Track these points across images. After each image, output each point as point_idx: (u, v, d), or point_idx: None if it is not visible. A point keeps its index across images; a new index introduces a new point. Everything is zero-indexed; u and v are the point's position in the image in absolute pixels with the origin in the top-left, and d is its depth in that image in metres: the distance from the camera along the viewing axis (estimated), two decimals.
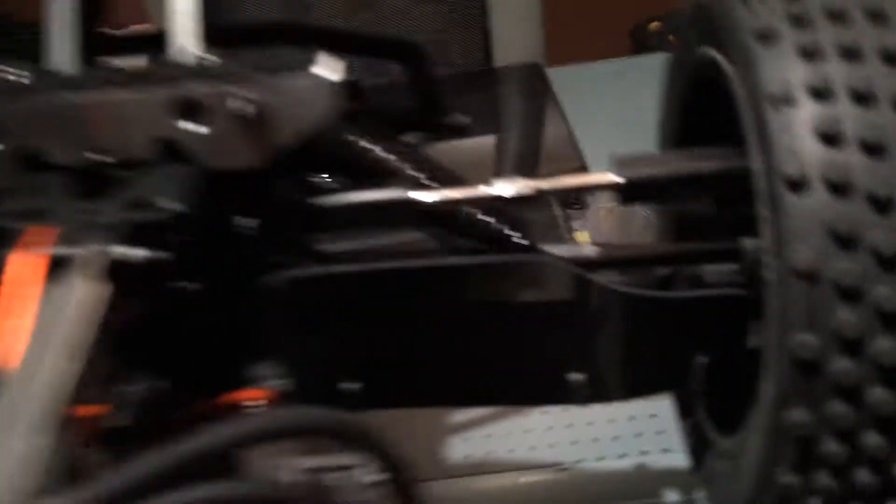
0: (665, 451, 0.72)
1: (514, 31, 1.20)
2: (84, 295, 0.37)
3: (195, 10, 0.49)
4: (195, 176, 0.42)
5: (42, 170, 0.43)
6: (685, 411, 0.55)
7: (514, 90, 1.13)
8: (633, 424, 0.74)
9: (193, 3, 0.49)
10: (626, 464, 0.71)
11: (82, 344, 0.35)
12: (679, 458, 0.62)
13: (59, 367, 0.33)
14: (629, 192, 0.45)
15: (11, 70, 0.43)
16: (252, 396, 0.45)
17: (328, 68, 0.41)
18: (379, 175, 0.47)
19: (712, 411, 0.50)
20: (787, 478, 0.37)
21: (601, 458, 0.71)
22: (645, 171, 0.45)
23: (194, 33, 0.49)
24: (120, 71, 0.43)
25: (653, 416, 0.75)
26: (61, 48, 0.45)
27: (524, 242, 0.49)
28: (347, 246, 0.47)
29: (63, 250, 0.39)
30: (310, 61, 0.40)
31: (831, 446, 0.37)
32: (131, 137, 0.42)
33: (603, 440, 0.74)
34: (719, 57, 0.45)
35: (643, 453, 0.73)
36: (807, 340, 0.35)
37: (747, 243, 0.44)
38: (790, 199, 0.37)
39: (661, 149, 0.59)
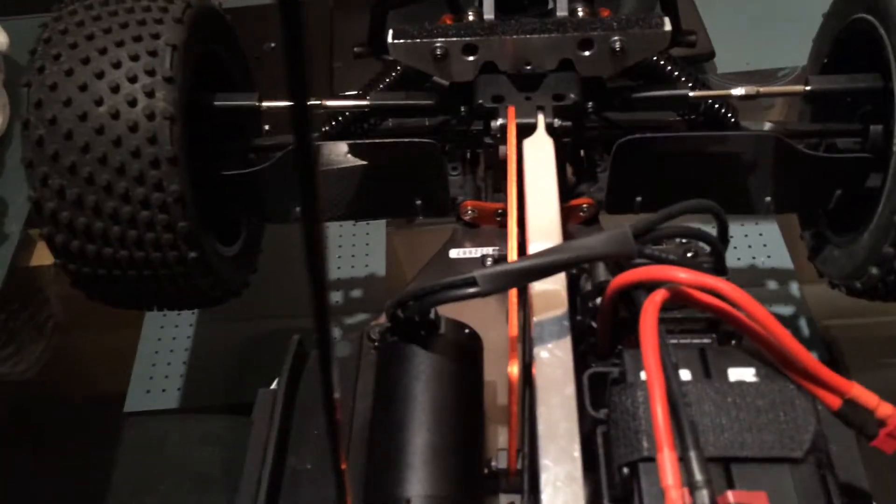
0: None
1: None
2: (550, 144, 0.71)
3: None
4: (578, 80, 0.77)
5: (494, 72, 0.77)
6: (807, 224, 0.92)
7: None
8: None
9: None
10: None
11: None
12: None
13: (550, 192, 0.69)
14: None
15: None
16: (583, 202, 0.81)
17: (666, 25, 0.74)
18: (664, 79, 0.82)
19: (831, 222, 0.87)
20: (888, 249, 0.74)
21: None
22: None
23: None
24: (538, 21, 0.77)
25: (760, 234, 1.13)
26: (490, 3, 0.79)
27: (735, 121, 0.85)
28: None
29: (525, 120, 0.73)
30: (660, 23, 0.74)
31: None
32: (549, 57, 0.76)
33: None
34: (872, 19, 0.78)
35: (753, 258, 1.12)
36: None
37: (873, 129, 0.79)
38: None
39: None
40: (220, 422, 0.99)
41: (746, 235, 1.13)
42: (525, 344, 0.57)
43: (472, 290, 0.51)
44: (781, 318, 1.05)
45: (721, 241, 0.54)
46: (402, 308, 0.54)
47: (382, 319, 0.58)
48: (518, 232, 0.64)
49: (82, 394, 1.07)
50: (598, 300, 0.52)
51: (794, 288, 1.09)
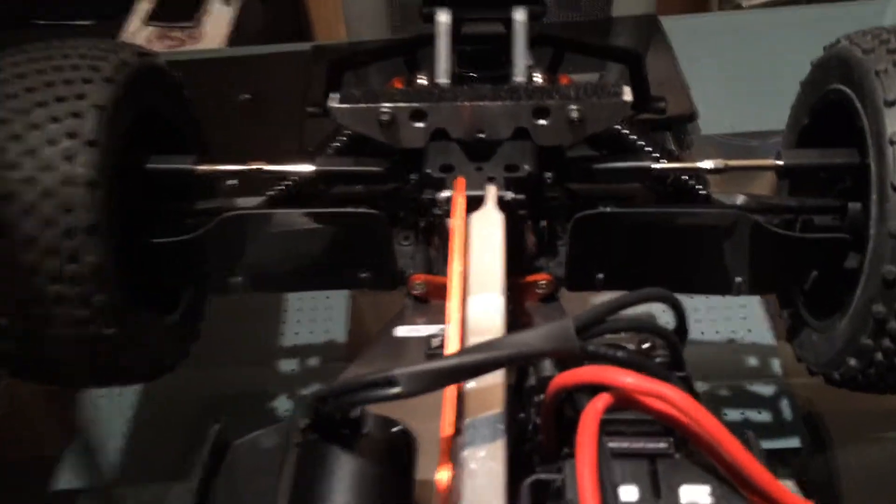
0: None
1: None
2: (499, 219, 0.66)
3: None
4: (534, 149, 0.72)
5: (445, 140, 0.72)
6: (785, 303, 0.86)
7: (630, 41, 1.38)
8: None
9: None
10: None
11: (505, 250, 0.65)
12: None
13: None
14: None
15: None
16: (540, 278, 0.76)
17: (625, 94, 0.70)
18: (628, 150, 0.78)
19: (809, 304, 0.81)
20: (866, 341, 0.68)
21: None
22: None
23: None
24: (492, 87, 0.72)
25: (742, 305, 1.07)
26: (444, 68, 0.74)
27: (705, 194, 0.80)
28: None
29: (474, 192, 0.68)
30: (619, 93, 0.69)
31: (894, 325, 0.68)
32: (503, 125, 0.72)
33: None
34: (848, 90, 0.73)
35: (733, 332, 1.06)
36: (891, 270, 0.66)
37: (851, 207, 0.74)
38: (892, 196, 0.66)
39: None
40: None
41: (728, 307, 1.08)
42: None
43: (393, 390, 0.46)
44: (760, 399, 0.99)
45: (679, 332, 0.50)
46: (322, 404, 0.49)
47: None
48: (462, 314, 0.59)
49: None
50: (541, 397, 0.48)
51: (776, 365, 1.03)
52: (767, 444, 0.95)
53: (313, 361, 1.06)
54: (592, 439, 0.40)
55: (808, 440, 0.95)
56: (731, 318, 1.07)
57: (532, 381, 0.49)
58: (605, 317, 0.48)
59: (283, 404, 1.01)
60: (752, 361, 1.04)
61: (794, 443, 0.95)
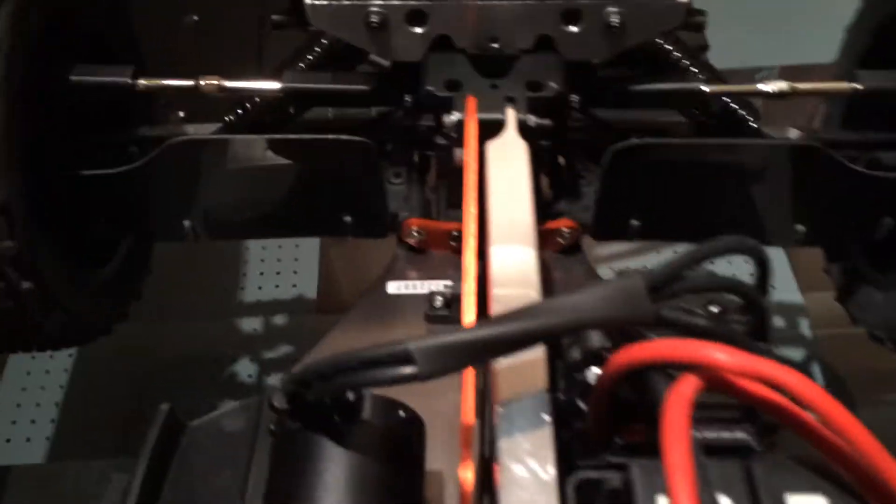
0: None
1: None
2: (523, 148, 0.52)
3: None
4: (561, 63, 0.58)
5: (450, 50, 0.58)
6: (835, 256, 0.74)
7: None
8: None
9: None
10: None
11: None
12: None
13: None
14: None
15: None
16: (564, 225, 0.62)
17: None
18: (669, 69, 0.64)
19: (874, 257, 0.69)
20: None
21: None
22: None
23: None
24: None
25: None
26: None
27: (755, 126, 0.66)
28: None
29: (489, 115, 0.54)
30: None
31: None
32: (523, 32, 0.57)
33: None
34: None
35: None
36: None
37: None
38: None
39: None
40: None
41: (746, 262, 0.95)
42: (485, 437, 0.42)
43: (407, 369, 0.35)
44: (790, 362, 0.88)
45: (761, 293, 0.39)
46: (304, 386, 0.38)
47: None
48: (478, 265, 0.47)
49: None
50: (590, 373, 0.38)
51: (805, 326, 0.92)
52: None
53: (279, 319, 0.92)
54: (683, 437, 0.31)
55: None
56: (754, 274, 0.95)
57: (575, 353, 0.39)
58: (682, 272, 0.37)
59: (244, 368, 0.88)
60: (777, 322, 0.93)
61: None
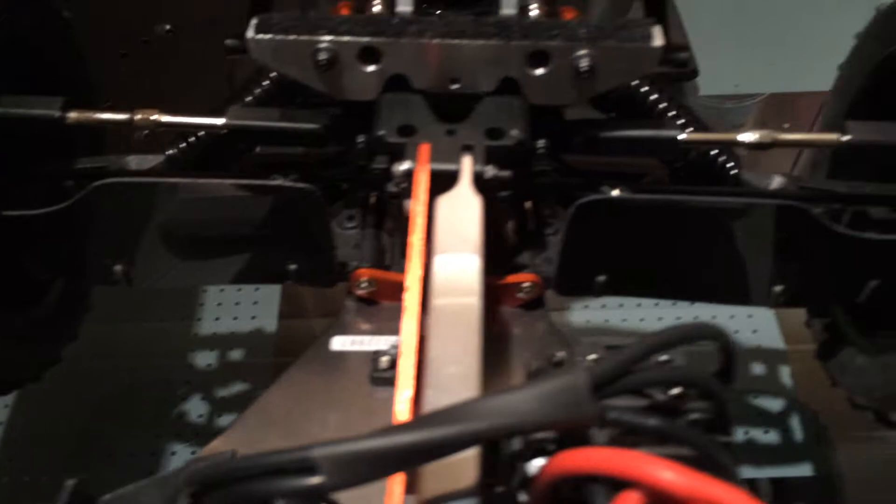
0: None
1: None
2: (476, 204, 0.48)
3: None
4: (525, 109, 0.54)
5: (405, 90, 0.53)
6: (818, 312, 0.70)
7: None
8: None
9: None
10: None
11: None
12: None
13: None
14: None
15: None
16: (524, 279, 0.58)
17: (656, 38, 0.51)
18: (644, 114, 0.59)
19: (856, 318, 0.64)
20: None
21: None
22: None
23: None
24: (472, 20, 0.53)
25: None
26: None
27: (735, 174, 0.62)
28: None
29: (443, 166, 0.50)
30: (648, 35, 0.50)
31: None
32: (485, 74, 0.53)
33: None
34: None
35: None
36: None
37: None
38: None
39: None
40: None
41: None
42: None
43: (312, 481, 0.31)
44: (767, 416, 0.84)
45: (724, 379, 0.36)
46: (206, 489, 0.33)
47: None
48: (420, 330, 0.43)
49: None
50: (532, 465, 0.35)
51: (786, 375, 0.87)
52: (773, 473, 0.81)
53: (236, 355, 0.87)
54: None
55: (822, 468, 0.81)
56: (735, 315, 0.91)
57: (516, 444, 0.36)
58: (631, 367, 0.34)
59: (196, 407, 0.83)
60: (758, 369, 0.88)
61: (804, 471, 0.81)
